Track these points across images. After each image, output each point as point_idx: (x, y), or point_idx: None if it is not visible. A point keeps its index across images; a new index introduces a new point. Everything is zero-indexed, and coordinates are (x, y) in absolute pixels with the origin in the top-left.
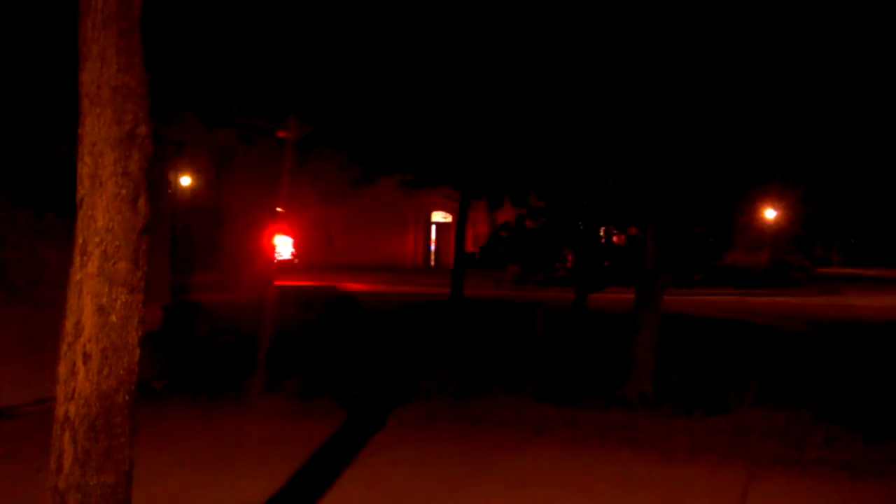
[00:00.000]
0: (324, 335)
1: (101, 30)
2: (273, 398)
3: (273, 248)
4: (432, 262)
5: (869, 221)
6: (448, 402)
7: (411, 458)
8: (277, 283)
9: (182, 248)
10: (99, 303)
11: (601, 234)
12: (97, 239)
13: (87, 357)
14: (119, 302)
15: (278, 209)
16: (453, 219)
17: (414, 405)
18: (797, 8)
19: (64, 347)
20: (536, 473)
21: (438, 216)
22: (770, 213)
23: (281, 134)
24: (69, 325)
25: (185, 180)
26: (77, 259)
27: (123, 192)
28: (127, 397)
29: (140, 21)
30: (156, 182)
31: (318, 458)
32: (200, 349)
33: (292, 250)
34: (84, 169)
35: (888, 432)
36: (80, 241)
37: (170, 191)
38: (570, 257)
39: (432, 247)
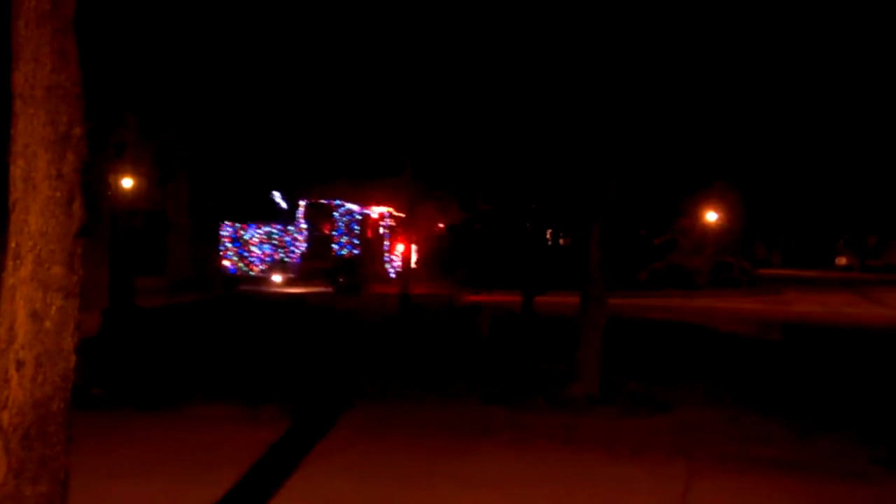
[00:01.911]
0: (274, 338)
1: (34, 29)
2: (217, 405)
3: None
4: None
5: (806, 223)
6: (395, 406)
7: (358, 462)
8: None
9: (124, 252)
10: (32, 308)
11: (548, 236)
12: (31, 243)
13: (20, 364)
14: (53, 307)
15: (400, 216)
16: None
17: (361, 409)
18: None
19: None
20: (484, 475)
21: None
22: (712, 216)
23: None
24: (2, 331)
25: (127, 182)
26: (10, 263)
27: (58, 194)
28: (62, 405)
29: (74, 20)
30: (95, 185)
31: (263, 465)
32: (141, 354)
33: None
34: (17, 171)
35: (824, 429)
36: (13, 245)
37: (110, 193)
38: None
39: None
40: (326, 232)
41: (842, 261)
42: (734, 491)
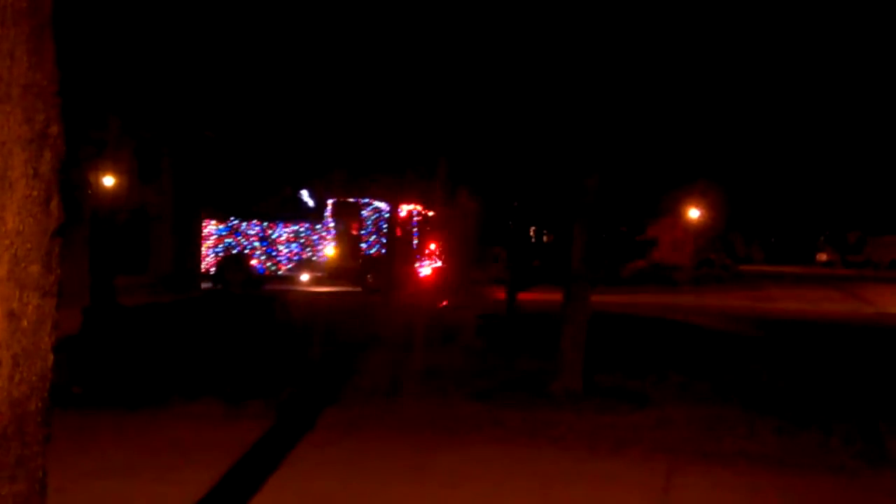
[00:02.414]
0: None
1: (10, 27)
2: (199, 403)
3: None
4: None
5: (787, 220)
6: (379, 404)
7: (341, 459)
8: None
9: (105, 250)
10: (9, 307)
11: (531, 233)
12: (7, 242)
13: None
14: (31, 306)
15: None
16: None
17: (344, 407)
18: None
19: None
20: (466, 473)
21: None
22: (694, 213)
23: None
24: None
25: (109, 180)
26: None
27: (34, 193)
28: (40, 404)
29: (52, 18)
30: (76, 183)
31: (245, 462)
32: (122, 353)
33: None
34: None
35: (806, 424)
36: None
37: (90, 191)
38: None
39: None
40: (354, 231)
41: (822, 257)
42: (715, 485)
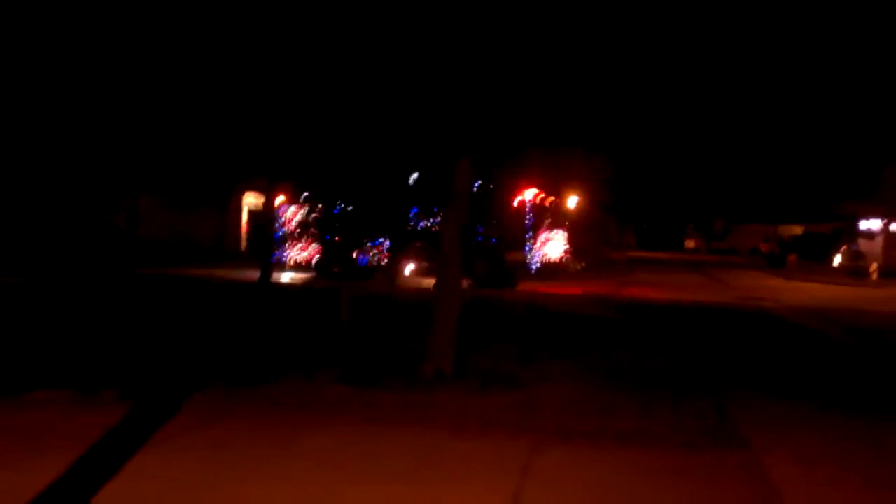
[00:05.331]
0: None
1: None
2: (58, 390)
3: None
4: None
5: (658, 209)
6: (248, 387)
7: (207, 443)
8: None
9: None
10: None
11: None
12: None
13: None
14: None
15: None
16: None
17: (213, 391)
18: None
19: None
20: (335, 453)
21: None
22: (571, 201)
23: None
24: None
25: None
26: None
27: None
28: None
29: None
30: None
31: (100, 449)
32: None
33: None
34: None
35: (663, 404)
36: None
37: None
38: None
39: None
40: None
41: (690, 244)
42: (573, 463)
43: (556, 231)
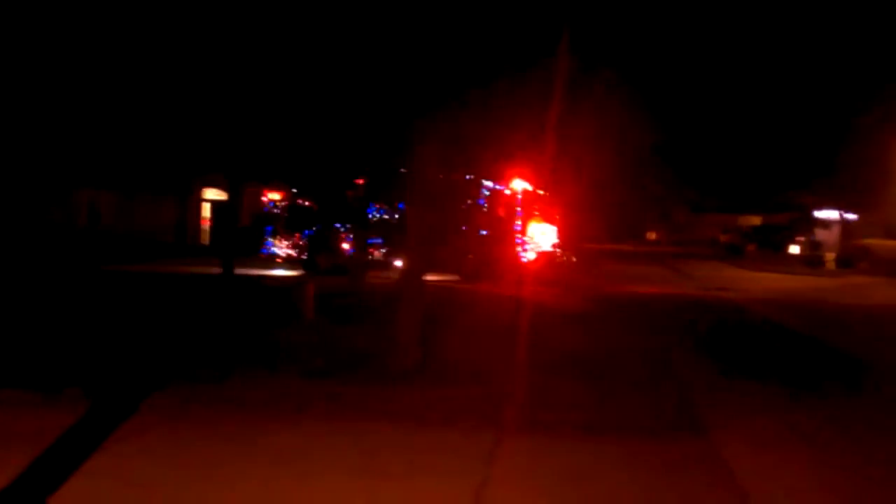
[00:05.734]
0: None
1: None
2: (14, 389)
3: None
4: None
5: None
6: (208, 385)
7: (164, 443)
8: None
9: None
10: None
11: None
12: None
13: None
14: None
15: None
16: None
17: (171, 389)
18: None
19: None
20: (297, 449)
21: (212, 193)
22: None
23: None
24: None
25: None
26: None
27: None
28: None
29: None
30: None
31: (60, 449)
32: None
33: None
34: None
35: (626, 393)
36: None
37: None
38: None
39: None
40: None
41: (652, 235)
42: (535, 453)
43: (545, 224)
